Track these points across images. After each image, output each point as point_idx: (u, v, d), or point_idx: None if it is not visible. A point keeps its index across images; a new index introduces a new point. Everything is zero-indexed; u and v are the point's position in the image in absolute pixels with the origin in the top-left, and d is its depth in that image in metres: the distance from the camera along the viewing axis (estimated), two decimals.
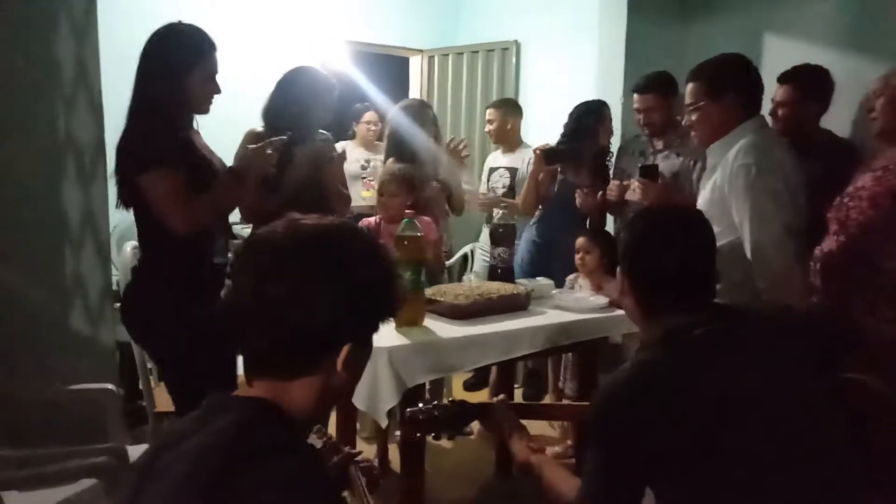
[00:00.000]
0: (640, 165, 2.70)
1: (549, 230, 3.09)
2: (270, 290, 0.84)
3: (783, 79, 2.55)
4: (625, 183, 2.85)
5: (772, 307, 1.70)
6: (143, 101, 1.83)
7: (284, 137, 2.04)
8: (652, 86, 2.79)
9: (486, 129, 3.70)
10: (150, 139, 1.78)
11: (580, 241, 2.79)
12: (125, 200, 1.85)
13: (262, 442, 0.80)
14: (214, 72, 1.90)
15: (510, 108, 3.61)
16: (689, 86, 2.03)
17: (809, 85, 2.52)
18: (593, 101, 3.10)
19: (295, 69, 2.55)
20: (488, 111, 3.67)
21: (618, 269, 1.33)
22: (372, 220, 2.77)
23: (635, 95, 2.85)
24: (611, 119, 3.08)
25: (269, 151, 1.94)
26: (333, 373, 0.89)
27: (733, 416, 1.07)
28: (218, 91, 1.91)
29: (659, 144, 2.86)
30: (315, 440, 1.31)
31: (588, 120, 3.02)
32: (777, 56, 2.95)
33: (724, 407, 1.07)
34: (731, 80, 1.97)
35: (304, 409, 0.88)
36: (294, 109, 2.44)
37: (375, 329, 0.94)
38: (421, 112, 2.94)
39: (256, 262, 0.87)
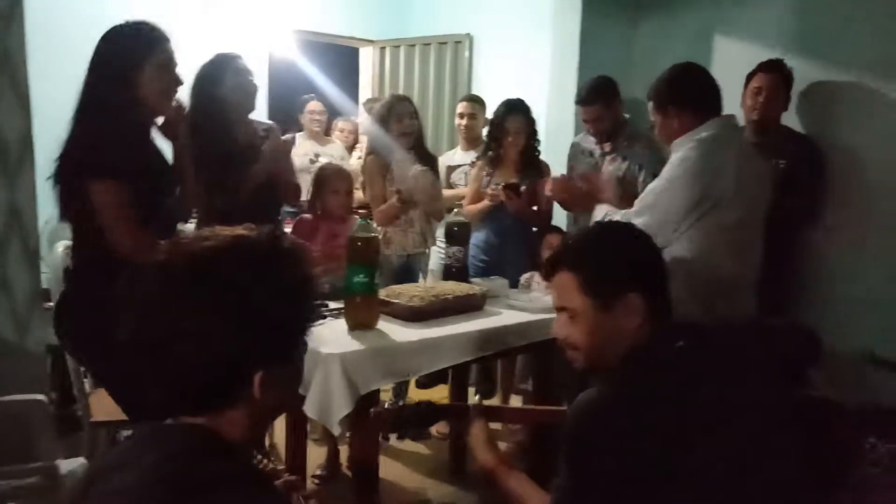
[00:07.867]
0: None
1: (500, 228, 3.03)
2: (148, 332, 0.78)
3: (767, 68, 2.65)
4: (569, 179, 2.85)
5: (739, 322, 1.69)
6: (93, 105, 1.71)
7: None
8: (595, 96, 2.78)
9: (458, 124, 3.47)
10: (102, 146, 1.65)
11: (553, 237, 2.74)
12: (67, 211, 1.72)
13: (210, 472, 0.75)
14: (171, 64, 1.79)
15: (481, 105, 3.45)
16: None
17: (788, 77, 2.65)
18: (509, 101, 3.02)
19: (200, 67, 2.42)
20: (462, 104, 3.46)
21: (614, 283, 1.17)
22: (308, 216, 2.67)
23: (580, 108, 2.84)
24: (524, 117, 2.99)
25: None
26: (256, 401, 0.81)
27: (702, 434, 1.05)
28: (180, 83, 1.81)
29: (607, 147, 2.87)
30: None
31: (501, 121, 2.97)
32: (725, 55, 3.01)
33: (695, 426, 1.05)
34: (671, 96, 2.07)
35: (239, 435, 0.83)
36: (213, 106, 2.34)
37: (288, 348, 0.85)
38: (398, 106, 2.88)
39: (134, 301, 0.79)
